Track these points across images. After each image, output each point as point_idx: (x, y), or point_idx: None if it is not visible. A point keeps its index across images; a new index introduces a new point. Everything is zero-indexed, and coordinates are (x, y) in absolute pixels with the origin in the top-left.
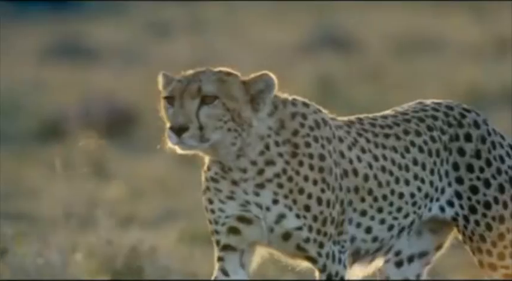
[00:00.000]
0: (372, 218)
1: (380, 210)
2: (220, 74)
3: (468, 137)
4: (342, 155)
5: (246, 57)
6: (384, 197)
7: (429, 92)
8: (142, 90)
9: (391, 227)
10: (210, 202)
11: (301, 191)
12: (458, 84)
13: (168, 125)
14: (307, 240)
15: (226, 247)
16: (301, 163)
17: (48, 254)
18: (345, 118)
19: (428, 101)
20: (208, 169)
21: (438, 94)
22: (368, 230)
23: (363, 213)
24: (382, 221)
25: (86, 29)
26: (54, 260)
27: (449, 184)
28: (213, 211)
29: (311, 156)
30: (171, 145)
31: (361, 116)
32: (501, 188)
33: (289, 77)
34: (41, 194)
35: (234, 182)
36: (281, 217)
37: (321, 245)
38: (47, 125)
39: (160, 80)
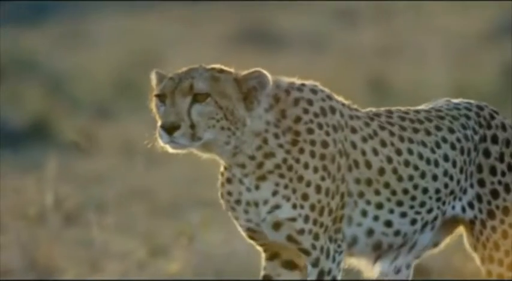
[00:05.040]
0: (391, 211)
1: (400, 204)
2: (212, 71)
3: (495, 139)
4: (354, 145)
5: (431, 45)
6: (405, 191)
7: None
8: (329, 77)
9: (413, 222)
10: (226, 209)
11: (300, 178)
12: None
13: (159, 123)
14: (301, 231)
15: (259, 246)
16: (301, 150)
17: (234, 242)
18: (374, 110)
19: (457, 100)
20: (225, 168)
21: None
22: (388, 223)
23: (379, 206)
24: (403, 215)
25: (273, 16)
26: (239, 249)
27: (472, 186)
28: (232, 217)
29: (313, 142)
30: (162, 143)
31: (393, 108)
32: None
33: (475, 65)
34: None
35: (240, 181)
36: (275, 207)
37: (316, 237)
38: None
39: (153, 77)
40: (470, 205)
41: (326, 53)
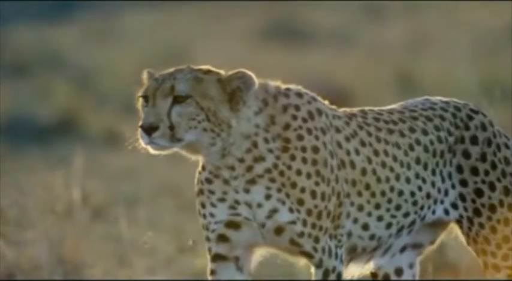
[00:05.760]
0: (369, 214)
1: (377, 206)
2: (197, 72)
3: (474, 140)
4: (339, 145)
5: (459, 40)
6: (382, 194)
7: None
8: (357, 73)
9: (389, 225)
10: (203, 206)
11: (293, 185)
12: None
13: (139, 124)
14: (301, 234)
15: (217, 257)
16: (293, 157)
17: None
18: (348, 110)
19: (435, 99)
20: (203, 168)
21: None
22: (365, 226)
23: (360, 208)
24: (380, 218)
25: (301, 11)
26: None
27: (453, 186)
28: (204, 216)
29: (304, 149)
30: (143, 144)
31: (366, 109)
32: (506, 191)
33: (503, 60)
34: None
35: (226, 181)
36: (273, 211)
37: (317, 240)
38: None
39: (145, 77)
40: (454, 206)
41: (354, 48)
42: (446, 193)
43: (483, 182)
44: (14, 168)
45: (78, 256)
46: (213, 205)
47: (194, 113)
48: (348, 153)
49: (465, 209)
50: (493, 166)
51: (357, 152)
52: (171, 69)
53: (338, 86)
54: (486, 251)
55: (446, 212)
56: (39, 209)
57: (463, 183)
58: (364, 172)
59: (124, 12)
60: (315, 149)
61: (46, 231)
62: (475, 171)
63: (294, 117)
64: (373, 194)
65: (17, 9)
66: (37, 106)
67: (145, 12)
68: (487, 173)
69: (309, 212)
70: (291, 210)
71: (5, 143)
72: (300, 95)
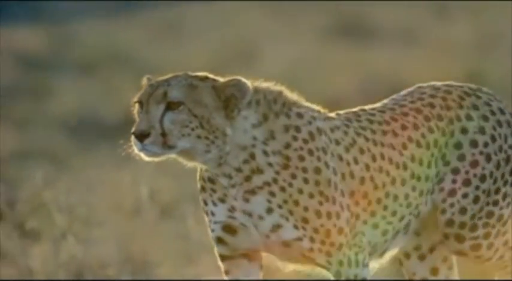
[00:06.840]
0: (365, 222)
1: (373, 214)
2: (192, 79)
3: (469, 117)
4: (340, 158)
5: None
6: (378, 201)
7: None
8: (424, 71)
9: (385, 232)
10: (205, 203)
11: (296, 202)
12: None
13: (132, 130)
14: (311, 250)
15: (223, 257)
16: (293, 176)
17: None
18: (342, 112)
19: (427, 87)
20: (207, 169)
21: None
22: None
23: (356, 217)
24: (375, 226)
25: (368, 9)
26: None
27: (447, 163)
28: (207, 214)
29: (305, 170)
30: (136, 151)
31: (358, 110)
32: (498, 165)
33: None
34: None
35: (224, 188)
36: (277, 227)
37: (329, 254)
38: (326, 105)
39: (144, 82)
40: (440, 180)
41: (420, 46)
42: (437, 175)
43: (481, 153)
44: (82, 166)
45: (146, 254)
46: (214, 204)
47: (187, 120)
48: (348, 164)
49: (453, 181)
50: (493, 139)
51: (356, 162)
52: (167, 76)
53: (404, 84)
54: (454, 222)
55: (432, 192)
56: (108, 207)
57: (461, 158)
58: (362, 181)
59: (191, 9)
60: (317, 171)
61: (114, 229)
62: (474, 143)
63: (295, 138)
64: (369, 203)
65: (83, 8)
66: (104, 104)
67: (213, 8)
68: (486, 145)
69: (315, 231)
70: (295, 227)
71: (73, 141)
72: (300, 115)
